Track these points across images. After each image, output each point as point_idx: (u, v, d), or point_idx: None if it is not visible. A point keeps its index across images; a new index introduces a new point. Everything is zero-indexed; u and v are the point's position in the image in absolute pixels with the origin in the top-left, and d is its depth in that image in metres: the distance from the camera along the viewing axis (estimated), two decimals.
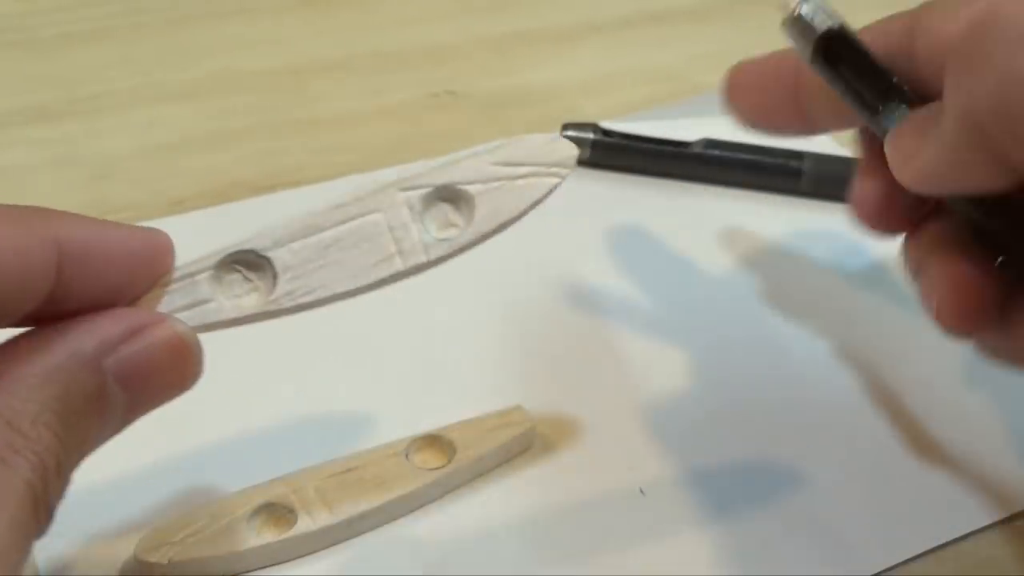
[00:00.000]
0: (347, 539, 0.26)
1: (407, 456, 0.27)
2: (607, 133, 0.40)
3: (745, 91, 0.27)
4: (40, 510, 0.19)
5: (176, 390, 0.21)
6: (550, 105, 0.44)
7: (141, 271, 0.21)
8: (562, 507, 0.28)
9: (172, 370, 0.21)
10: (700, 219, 0.38)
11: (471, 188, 0.22)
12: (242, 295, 0.22)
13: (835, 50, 0.25)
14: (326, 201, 0.22)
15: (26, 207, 0.21)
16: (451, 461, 0.27)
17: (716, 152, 0.40)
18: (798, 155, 0.39)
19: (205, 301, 0.21)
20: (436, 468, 0.27)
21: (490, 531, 0.27)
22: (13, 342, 0.20)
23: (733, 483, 0.29)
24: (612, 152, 0.40)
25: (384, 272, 0.22)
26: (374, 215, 0.22)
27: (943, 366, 0.32)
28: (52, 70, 0.45)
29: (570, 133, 0.40)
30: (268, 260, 0.22)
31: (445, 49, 0.48)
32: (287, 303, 0.21)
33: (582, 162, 0.38)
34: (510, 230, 0.23)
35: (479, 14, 0.51)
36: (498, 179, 0.22)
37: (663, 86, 0.46)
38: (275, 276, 0.21)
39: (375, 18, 0.51)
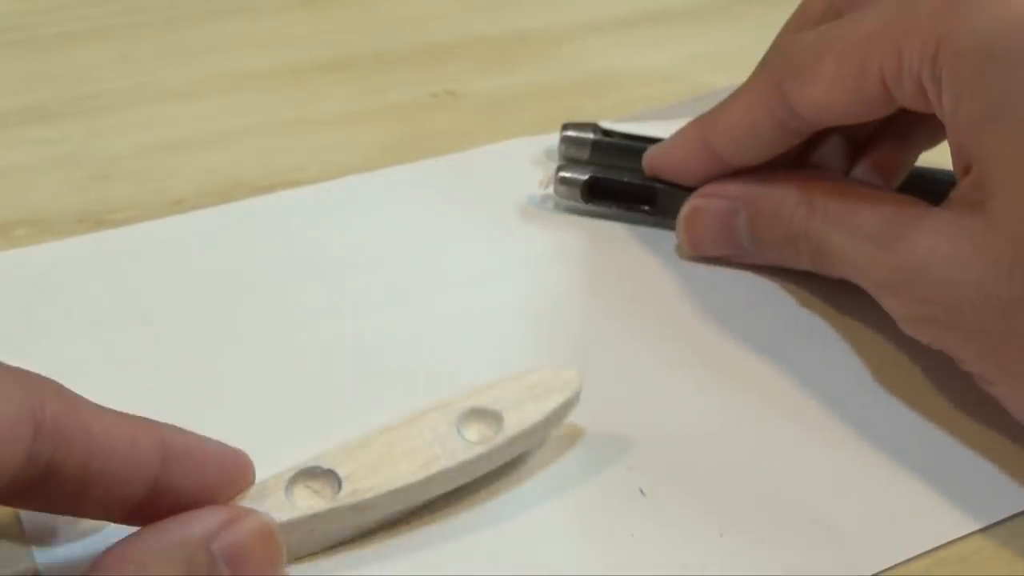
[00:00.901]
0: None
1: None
2: (607, 133, 0.40)
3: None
4: None
5: (270, 571, 0.25)
6: (550, 105, 0.44)
7: (228, 476, 0.25)
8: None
9: (264, 551, 0.24)
10: None
11: (498, 406, 0.27)
12: (311, 506, 0.26)
13: (595, 188, 0.37)
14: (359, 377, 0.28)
15: (127, 413, 0.24)
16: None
17: None
18: None
19: (282, 507, 0.25)
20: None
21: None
22: (141, 530, 0.24)
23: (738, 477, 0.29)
24: (611, 152, 0.40)
25: (432, 470, 0.26)
26: (420, 430, 0.27)
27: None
28: (52, 70, 0.45)
29: (570, 133, 0.40)
30: (332, 472, 0.26)
31: (445, 49, 0.48)
32: (351, 500, 0.25)
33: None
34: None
35: (479, 14, 0.51)
36: (521, 399, 0.28)
37: (663, 86, 0.46)
38: (339, 483, 0.26)
39: (375, 18, 0.51)
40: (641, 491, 0.28)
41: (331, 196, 0.39)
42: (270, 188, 0.39)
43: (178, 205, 0.38)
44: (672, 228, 0.36)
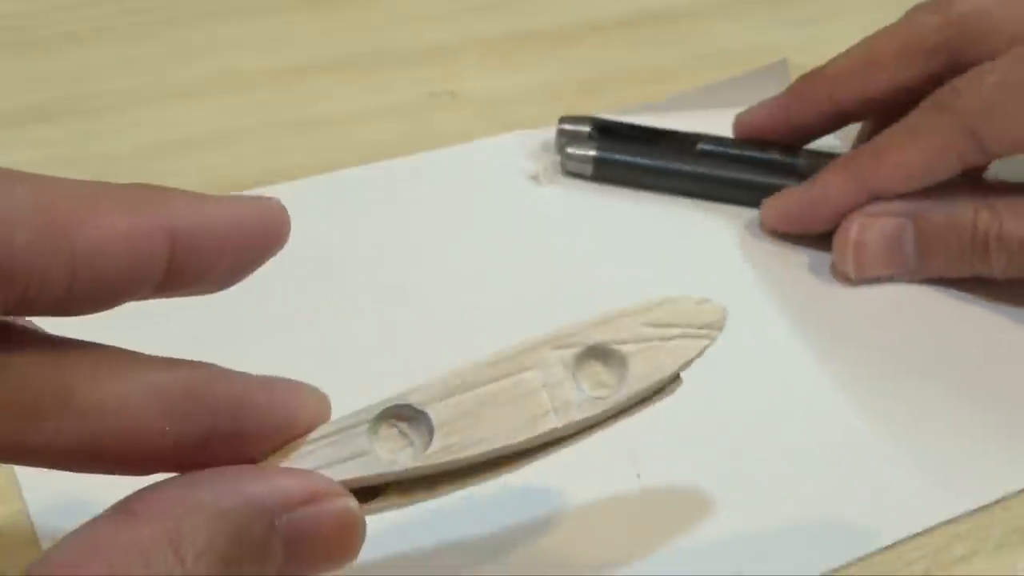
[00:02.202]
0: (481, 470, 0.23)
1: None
2: (604, 127, 0.40)
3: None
4: None
5: (331, 564, 0.21)
6: (550, 105, 0.44)
7: (255, 247, 0.22)
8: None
9: (336, 543, 0.21)
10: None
11: (624, 348, 0.22)
12: (397, 449, 0.22)
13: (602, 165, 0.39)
14: (478, 352, 0.22)
15: (141, 188, 0.21)
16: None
17: (712, 146, 0.40)
18: (793, 151, 0.40)
19: (364, 453, 0.21)
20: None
21: None
22: (191, 475, 0.20)
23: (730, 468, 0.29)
24: (610, 141, 0.40)
25: (540, 428, 0.22)
26: (528, 372, 0.22)
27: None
28: (52, 70, 0.45)
29: (567, 127, 0.40)
30: (424, 415, 0.22)
31: (445, 49, 0.48)
32: (443, 458, 0.21)
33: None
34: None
35: (479, 14, 0.51)
36: (649, 340, 0.23)
37: (663, 86, 0.46)
38: (431, 431, 0.22)
39: (375, 18, 0.51)
40: (638, 476, 0.28)
41: (328, 189, 0.39)
42: (270, 188, 0.39)
43: None
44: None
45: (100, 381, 0.20)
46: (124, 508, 0.19)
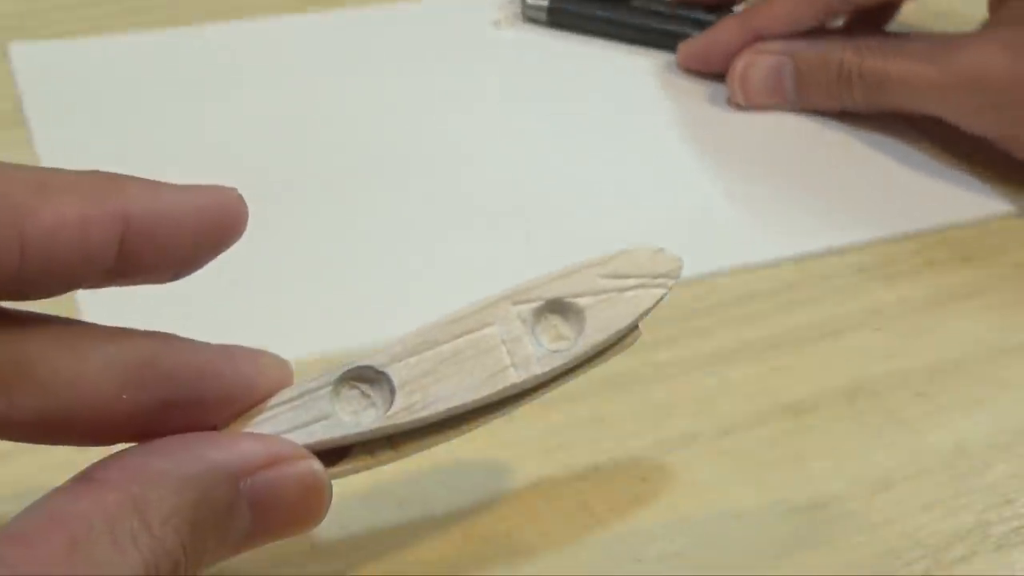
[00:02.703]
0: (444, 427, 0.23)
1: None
2: None
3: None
4: None
5: (299, 527, 0.21)
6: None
7: (212, 236, 0.21)
8: None
9: (301, 505, 0.21)
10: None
11: (581, 301, 0.23)
12: (360, 411, 0.22)
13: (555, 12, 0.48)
14: (439, 312, 0.23)
15: (94, 174, 0.21)
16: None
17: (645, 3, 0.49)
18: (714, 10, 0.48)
19: (326, 416, 0.22)
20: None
21: None
22: (153, 443, 0.20)
23: None
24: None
25: (500, 384, 0.22)
26: (488, 328, 0.23)
27: None
28: None
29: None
30: (385, 375, 0.22)
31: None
32: (405, 417, 0.22)
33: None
34: None
35: None
36: (607, 291, 0.23)
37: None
38: (392, 391, 0.22)
39: None
40: None
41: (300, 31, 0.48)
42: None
43: None
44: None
45: (56, 354, 0.20)
46: (85, 477, 0.19)
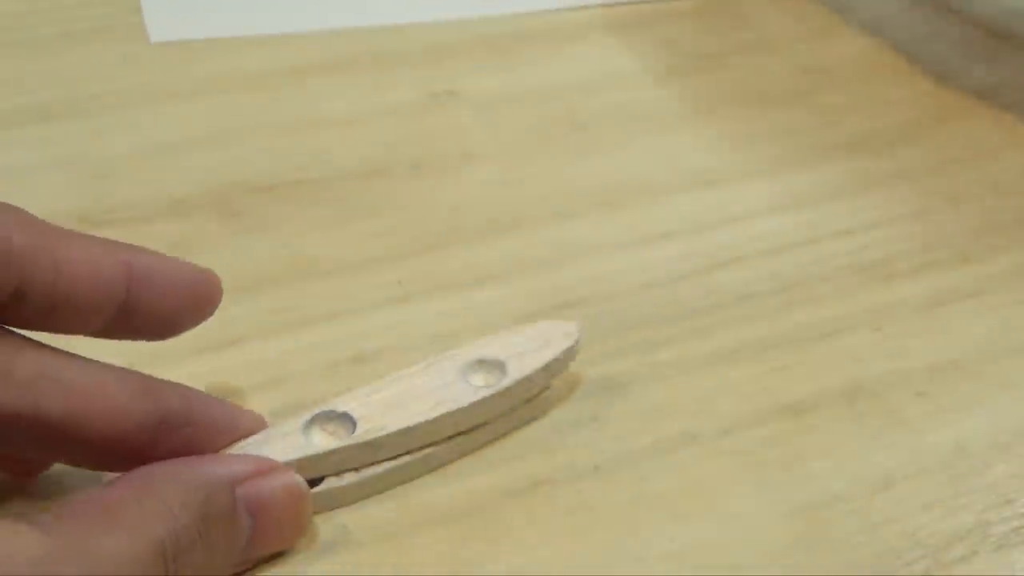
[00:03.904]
0: (404, 448, 0.28)
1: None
2: None
3: None
4: (166, 571, 0.22)
5: (294, 531, 0.26)
6: (550, 105, 0.44)
7: (198, 299, 0.26)
8: None
9: (291, 511, 0.25)
10: None
11: (501, 356, 0.29)
12: (325, 441, 0.27)
13: None
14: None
15: (100, 237, 0.25)
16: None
17: None
18: None
19: (299, 447, 0.27)
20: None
21: None
22: (156, 464, 0.24)
23: None
24: None
25: (440, 411, 0.28)
26: (428, 379, 0.29)
27: None
28: (52, 70, 0.45)
29: None
30: (347, 415, 0.27)
31: (445, 49, 0.48)
32: (365, 437, 0.27)
33: None
34: None
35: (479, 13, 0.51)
36: (522, 349, 0.30)
37: (663, 87, 0.46)
38: (354, 425, 0.27)
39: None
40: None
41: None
42: (270, 188, 0.39)
43: (178, 205, 0.38)
44: None
45: (75, 364, 0.24)
46: (107, 483, 0.23)
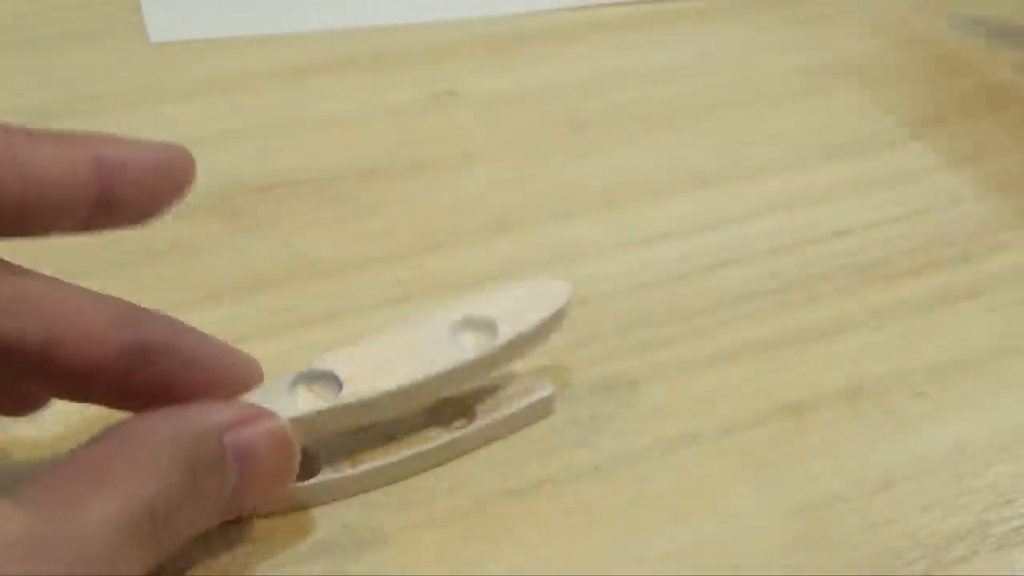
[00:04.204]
0: (364, 491, 0.28)
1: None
2: None
3: None
4: (157, 532, 0.22)
5: (280, 478, 0.25)
6: (550, 105, 0.44)
7: (172, 180, 0.25)
8: None
9: (278, 456, 0.24)
10: None
11: (491, 315, 0.28)
12: (311, 402, 0.26)
13: None
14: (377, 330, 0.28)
15: (65, 131, 0.24)
16: (471, 423, 0.29)
17: None
18: None
19: (285, 408, 0.26)
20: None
21: None
22: (145, 413, 0.23)
23: None
24: None
25: (429, 372, 0.27)
26: (418, 336, 0.28)
27: None
28: (52, 70, 0.45)
29: None
30: (332, 373, 0.27)
31: (445, 49, 0.48)
32: (352, 399, 0.26)
33: None
34: None
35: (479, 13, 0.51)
36: (514, 308, 0.29)
37: (664, 86, 0.46)
38: (340, 385, 0.26)
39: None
40: None
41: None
42: (270, 188, 0.39)
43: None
44: None
45: (56, 289, 0.23)
46: (93, 438, 0.22)
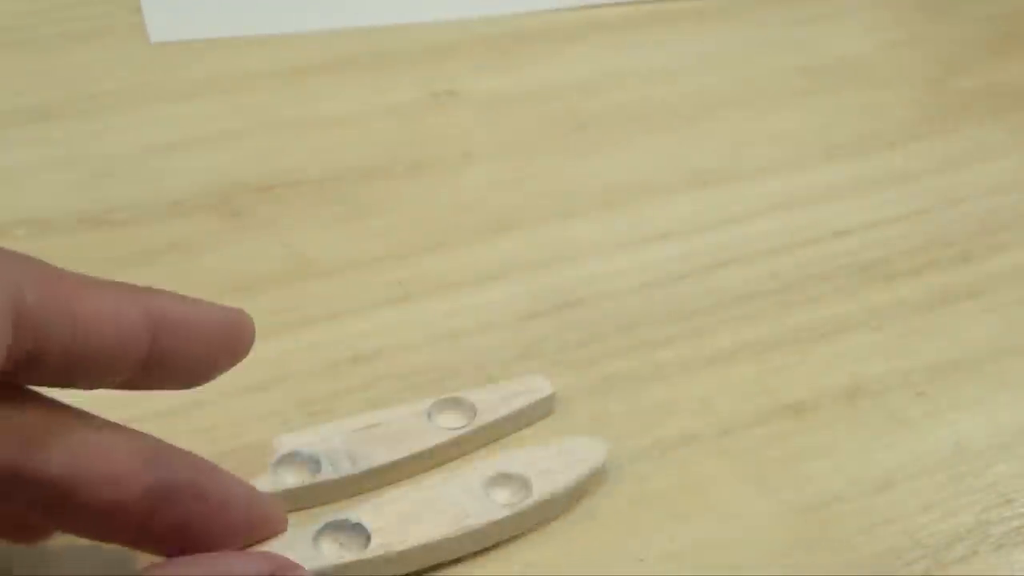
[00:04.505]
0: (367, 491, 0.28)
1: (429, 416, 0.29)
2: None
3: None
4: None
5: None
6: (550, 105, 0.44)
7: (228, 343, 0.24)
8: None
9: None
10: None
11: (526, 472, 0.28)
12: (336, 553, 0.25)
13: None
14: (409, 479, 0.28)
15: (121, 283, 0.23)
16: (471, 423, 0.29)
17: None
18: None
19: (311, 558, 0.25)
20: (456, 428, 0.29)
21: None
22: (182, 558, 0.23)
23: None
24: None
25: (461, 528, 0.26)
26: (452, 488, 0.27)
27: None
28: (52, 70, 0.45)
29: None
30: (360, 525, 0.26)
31: (445, 49, 0.48)
32: (380, 551, 0.25)
33: None
34: None
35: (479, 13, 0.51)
36: (548, 466, 0.28)
37: (664, 86, 0.46)
38: (368, 537, 0.25)
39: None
40: None
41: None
42: (270, 188, 0.39)
43: (178, 205, 0.38)
44: None
45: (87, 425, 0.22)
46: None
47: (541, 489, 0.27)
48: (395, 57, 0.47)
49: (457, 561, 0.27)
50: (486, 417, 0.29)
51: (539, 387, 0.30)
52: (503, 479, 0.28)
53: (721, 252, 0.37)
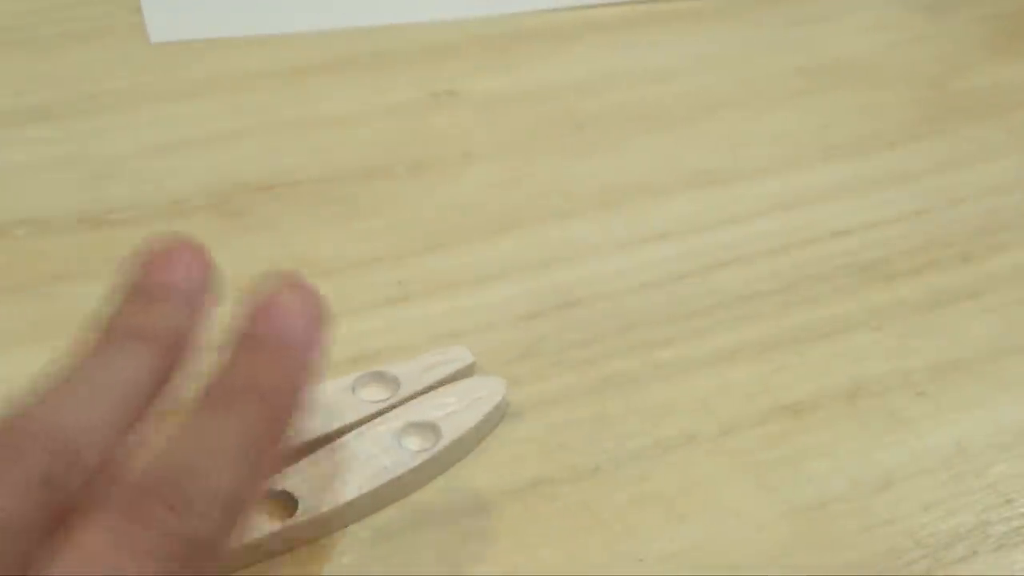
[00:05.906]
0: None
1: (353, 390, 0.30)
2: None
3: None
4: None
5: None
6: (549, 105, 0.44)
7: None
8: None
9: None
10: None
11: (434, 418, 0.29)
12: (266, 523, 0.26)
13: None
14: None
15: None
16: (394, 395, 0.30)
17: None
18: None
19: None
20: (379, 401, 0.30)
21: None
22: None
23: None
24: None
25: (380, 480, 0.28)
26: (366, 445, 0.28)
27: None
28: (52, 70, 0.45)
29: None
30: (286, 492, 0.27)
31: (445, 49, 0.48)
32: (306, 518, 0.27)
33: None
34: None
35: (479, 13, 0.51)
36: (454, 408, 0.29)
37: (663, 86, 0.46)
38: (296, 503, 0.27)
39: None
40: None
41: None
42: (270, 188, 0.39)
43: (178, 205, 0.38)
44: None
45: None
46: None
47: (450, 432, 0.29)
48: (395, 57, 0.47)
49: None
50: (408, 388, 0.30)
51: (459, 356, 0.31)
52: (413, 428, 0.29)
53: (720, 252, 0.37)
